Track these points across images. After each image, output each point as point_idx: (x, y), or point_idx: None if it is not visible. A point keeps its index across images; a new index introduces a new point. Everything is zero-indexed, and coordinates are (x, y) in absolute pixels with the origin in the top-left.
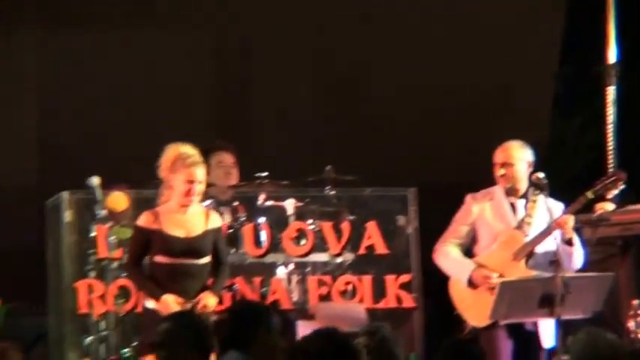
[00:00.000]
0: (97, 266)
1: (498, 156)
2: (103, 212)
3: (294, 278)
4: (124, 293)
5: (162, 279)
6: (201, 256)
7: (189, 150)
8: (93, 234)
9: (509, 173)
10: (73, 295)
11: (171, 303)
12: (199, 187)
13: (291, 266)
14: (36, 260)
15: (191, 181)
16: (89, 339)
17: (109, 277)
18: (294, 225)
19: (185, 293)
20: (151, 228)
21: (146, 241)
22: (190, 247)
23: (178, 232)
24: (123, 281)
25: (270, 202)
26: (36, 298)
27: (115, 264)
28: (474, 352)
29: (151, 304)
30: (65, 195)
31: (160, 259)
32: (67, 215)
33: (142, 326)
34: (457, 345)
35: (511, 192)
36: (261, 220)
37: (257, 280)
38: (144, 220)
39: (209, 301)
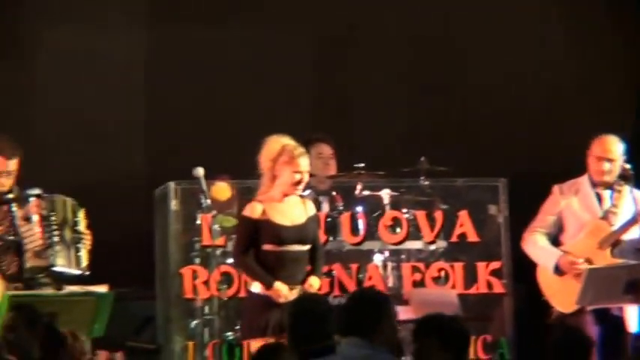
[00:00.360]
0: (202, 253)
1: (599, 149)
2: (208, 202)
3: (390, 265)
4: (227, 279)
5: (271, 266)
6: (306, 242)
7: (292, 142)
8: (198, 222)
9: (611, 168)
10: (178, 280)
11: (283, 290)
12: (306, 177)
13: (387, 253)
14: (144, 247)
15: (299, 172)
16: (194, 323)
17: (213, 264)
18: (389, 214)
19: (292, 279)
20: (258, 218)
21: (254, 231)
22: (297, 234)
23: (285, 221)
24: (226, 267)
25: (366, 192)
26: (144, 283)
27: (219, 251)
28: (585, 342)
29: (256, 288)
30: (172, 185)
31: (268, 247)
32: (174, 204)
33: (246, 310)
34: (569, 334)
35: (599, 183)
36: (358, 209)
37: (354, 266)
38: (250, 210)
39: (314, 282)
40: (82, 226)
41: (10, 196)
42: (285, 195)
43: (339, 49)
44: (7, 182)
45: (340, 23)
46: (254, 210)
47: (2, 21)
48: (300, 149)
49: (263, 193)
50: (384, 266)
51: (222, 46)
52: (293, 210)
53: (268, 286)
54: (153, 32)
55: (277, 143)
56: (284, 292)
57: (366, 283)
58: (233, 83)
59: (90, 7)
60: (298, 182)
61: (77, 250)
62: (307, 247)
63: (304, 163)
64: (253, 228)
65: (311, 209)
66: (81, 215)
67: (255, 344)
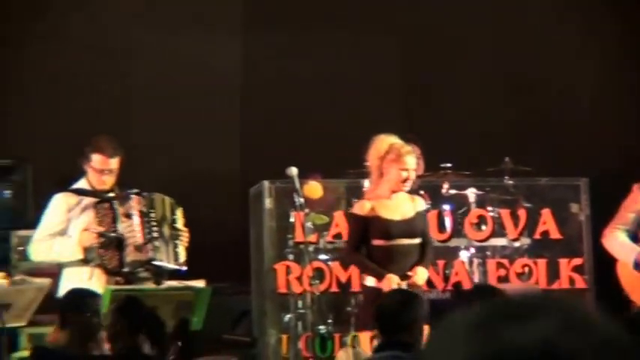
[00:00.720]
0: (295, 250)
1: None
2: (301, 200)
3: (475, 261)
4: (319, 274)
5: (381, 260)
6: (415, 236)
7: (396, 140)
8: (291, 220)
9: None
10: (273, 276)
11: (393, 280)
12: (412, 175)
13: (473, 250)
14: (240, 244)
15: (406, 169)
16: (288, 316)
17: (306, 260)
18: (474, 212)
19: (402, 272)
20: (367, 215)
21: (363, 228)
22: (405, 228)
23: (393, 216)
24: (318, 263)
25: (453, 191)
26: (240, 278)
27: (311, 247)
28: None
29: (370, 282)
30: (266, 184)
31: (377, 242)
32: (268, 202)
33: (361, 303)
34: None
35: None
36: (445, 207)
37: (441, 262)
38: (360, 208)
39: (422, 274)
40: (179, 223)
41: (112, 194)
42: (393, 192)
43: (426, 50)
44: (110, 180)
45: (426, 25)
46: (363, 207)
47: (100, 29)
48: (407, 148)
49: (372, 191)
50: (470, 262)
51: (314, 49)
52: (401, 206)
53: (380, 277)
54: (248, 37)
55: (384, 142)
56: (394, 282)
57: (453, 279)
58: (325, 85)
59: (187, 14)
60: (405, 180)
61: (175, 246)
62: (416, 240)
63: (410, 161)
64: (363, 224)
65: (420, 205)
66: (179, 213)
67: (367, 335)
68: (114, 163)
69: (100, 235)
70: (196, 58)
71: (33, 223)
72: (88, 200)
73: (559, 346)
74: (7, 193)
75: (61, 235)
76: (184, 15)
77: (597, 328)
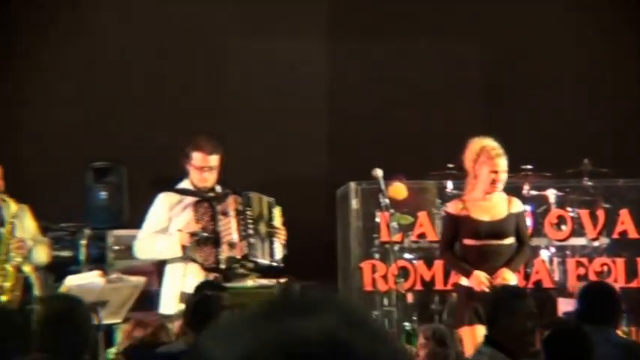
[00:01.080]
0: (380, 249)
1: None
2: (386, 201)
3: (555, 260)
4: (404, 273)
5: (472, 259)
6: (504, 237)
7: (492, 142)
8: (377, 220)
9: None
10: (359, 274)
11: (481, 278)
12: (503, 177)
13: (553, 249)
14: (327, 243)
15: (495, 171)
16: (374, 313)
17: (391, 259)
18: (554, 212)
19: (492, 271)
20: (459, 214)
21: (456, 227)
22: (495, 229)
23: (484, 217)
24: (403, 262)
25: (533, 192)
26: (327, 276)
27: (396, 247)
28: None
29: (464, 281)
30: (352, 185)
31: (468, 241)
32: (354, 203)
33: (455, 301)
34: None
35: None
36: (526, 207)
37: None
38: (453, 207)
39: (506, 276)
40: (277, 221)
41: (212, 194)
42: (487, 193)
43: (506, 54)
44: (210, 178)
45: (506, 29)
46: (455, 207)
47: (198, 34)
48: (498, 150)
49: (468, 192)
50: (551, 261)
51: (398, 54)
52: (495, 207)
53: (467, 275)
54: (335, 44)
55: (478, 144)
56: (482, 280)
57: (533, 277)
58: (408, 89)
59: (277, 23)
60: (495, 181)
61: (271, 243)
62: (506, 241)
63: (500, 162)
64: (454, 224)
65: (516, 206)
66: (276, 212)
67: (464, 331)
68: (213, 160)
69: (194, 234)
70: (285, 64)
71: (128, 223)
72: (189, 199)
73: (339, 337)
74: (104, 194)
75: (163, 233)
76: (274, 24)
77: (370, 323)
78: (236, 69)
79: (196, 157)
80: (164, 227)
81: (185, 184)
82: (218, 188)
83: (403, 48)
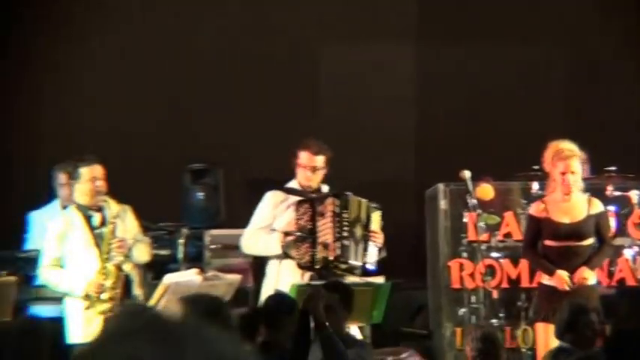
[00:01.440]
0: (468, 248)
1: None
2: (473, 201)
3: (638, 259)
4: (490, 271)
5: (553, 259)
6: (583, 238)
7: (567, 145)
8: (464, 220)
9: None
10: (447, 272)
11: (564, 277)
12: (572, 178)
13: (636, 248)
14: (416, 242)
15: (564, 173)
16: (462, 310)
17: (478, 257)
18: (638, 212)
19: (572, 271)
20: (540, 216)
21: (537, 227)
22: (574, 230)
23: (564, 219)
24: (490, 261)
25: (617, 193)
26: (417, 274)
27: (484, 246)
28: None
29: (546, 280)
30: (441, 186)
31: (549, 242)
32: (443, 204)
33: (536, 298)
34: None
35: None
36: (610, 208)
37: (606, 260)
38: (534, 209)
39: (585, 274)
40: (374, 225)
41: (315, 194)
42: (566, 194)
43: (588, 57)
44: (315, 178)
45: (591, 30)
46: (537, 208)
47: (291, 41)
48: (567, 152)
49: (549, 194)
50: (634, 260)
51: (485, 58)
52: (574, 208)
53: (549, 274)
54: (423, 47)
55: (554, 146)
56: (565, 279)
57: (617, 276)
58: (495, 92)
59: (365, 25)
60: (564, 182)
61: (366, 246)
62: (585, 242)
63: (571, 164)
64: (536, 224)
65: (596, 207)
66: (374, 216)
67: (542, 327)
68: (319, 160)
69: (289, 233)
70: (374, 66)
71: (224, 223)
72: (294, 199)
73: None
74: (201, 194)
75: (268, 230)
76: (363, 28)
77: (182, 342)
78: (327, 72)
79: (302, 156)
80: (269, 224)
81: (293, 184)
82: (325, 189)
83: (490, 49)
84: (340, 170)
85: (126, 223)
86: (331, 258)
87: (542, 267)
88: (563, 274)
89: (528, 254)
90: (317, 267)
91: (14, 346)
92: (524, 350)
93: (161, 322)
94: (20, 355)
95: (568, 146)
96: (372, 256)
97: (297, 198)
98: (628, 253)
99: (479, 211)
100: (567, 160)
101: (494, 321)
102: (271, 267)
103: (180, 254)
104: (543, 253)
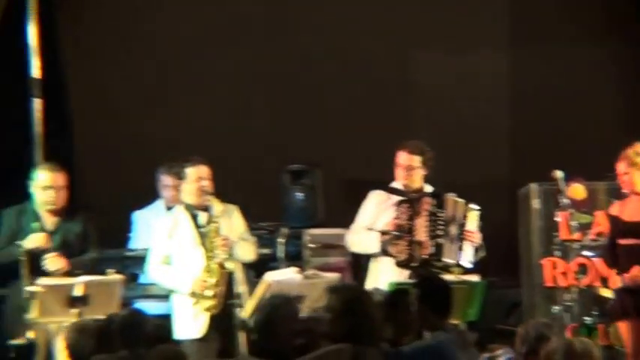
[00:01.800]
0: (561, 246)
1: None
2: (566, 201)
3: None
4: (582, 270)
5: (627, 258)
6: None
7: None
8: (557, 219)
9: None
10: (540, 270)
11: (635, 274)
12: (633, 178)
13: None
14: (510, 241)
15: (625, 173)
16: (556, 308)
17: (571, 256)
18: None
19: None
20: (615, 215)
21: (613, 226)
22: (636, 229)
23: (633, 217)
24: (582, 259)
25: None
26: (511, 272)
27: (576, 245)
28: None
29: (622, 278)
30: (534, 186)
31: (621, 241)
32: (535, 203)
33: (614, 296)
34: None
35: None
36: None
37: None
38: (612, 209)
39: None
40: (470, 225)
41: (416, 194)
42: (636, 194)
43: None
44: (413, 178)
45: None
46: (613, 208)
47: (387, 44)
48: (631, 152)
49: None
50: None
51: (571, 61)
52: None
53: (620, 273)
54: (515, 50)
55: (632, 148)
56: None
57: None
58: (580, 96)
59: (459, 30)
60: (626, 182)
61: (461, 245)
62: None
63: (630, 163)
64: (612, 223)
65: None
66: (471, 216)
67: (620, 325)
68: (415, 160)
69: (385, 232)
70: (468, 68)
71: (322, 223)
72: (396, 198)
73: None
74: (300, 195)
75: (370, 229)
76: (456, 32)
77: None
78: (423, 74)
79: (400, 155)
80: (371, 223)
81: (396, 184)
82: (428, 189)
83: (582, 52)
84: (437, 170)
85: (232, 222)
86: (425, 256)
87: (615, 265)
88: (636, 271)
89: (604, 253)
90: (414, 265)
91: (119, 333)
92: (617, 348)
93: None
94: (124, 342)
95: (636, 148)
96: (468, 255)
97: (399, 198)
98: None
99: (571, 210)
100: (628, 159)
101: (587, 318)
102: (372, 265)
103: (281, 253)
104: (619, 252)
